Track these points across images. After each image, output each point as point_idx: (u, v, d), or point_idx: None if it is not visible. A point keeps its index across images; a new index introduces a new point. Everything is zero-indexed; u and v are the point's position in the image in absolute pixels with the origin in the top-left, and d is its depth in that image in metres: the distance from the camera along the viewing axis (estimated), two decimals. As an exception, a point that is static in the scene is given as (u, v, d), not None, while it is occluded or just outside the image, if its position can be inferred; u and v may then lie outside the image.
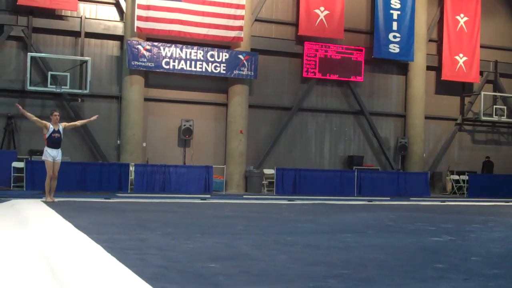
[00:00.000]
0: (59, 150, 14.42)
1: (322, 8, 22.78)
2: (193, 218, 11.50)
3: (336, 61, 23.22)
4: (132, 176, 19.44)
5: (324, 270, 6.18)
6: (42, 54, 20.67)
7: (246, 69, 21.71)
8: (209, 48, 21.53)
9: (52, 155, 14.20)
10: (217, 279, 5.51)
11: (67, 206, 12.84)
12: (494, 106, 25.63)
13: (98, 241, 7.19)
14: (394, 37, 23.85)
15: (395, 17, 23.93)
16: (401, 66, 24.64)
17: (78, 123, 15.53)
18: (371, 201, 18.36)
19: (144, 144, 21.31)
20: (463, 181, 23.96)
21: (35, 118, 14.49)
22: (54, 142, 14.26)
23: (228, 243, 7.94)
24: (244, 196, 19.17)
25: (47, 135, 14.25)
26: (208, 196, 18.50)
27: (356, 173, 21.70)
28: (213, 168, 20.49)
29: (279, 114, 23.19)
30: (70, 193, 17.44)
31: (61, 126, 14.49)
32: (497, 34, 26.57)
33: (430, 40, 25.03)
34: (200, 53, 21.38)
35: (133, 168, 19.59)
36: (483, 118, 25.37)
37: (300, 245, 7.98)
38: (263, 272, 5.98)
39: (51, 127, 14.26)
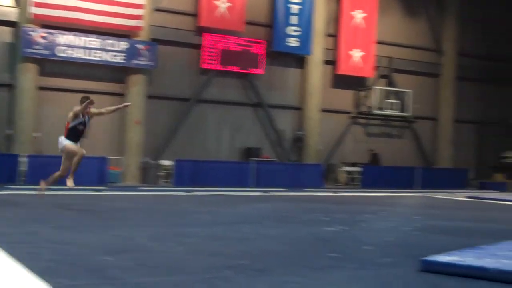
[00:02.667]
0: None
1: (223, 0, 22.79)
2: (87, 211, 11.26)
3: (236, 53, 23.28)
4: (23, 167, 18.75)
5: (222, 261, 6.21)
6: None
7: (145, 59, 21.37)
8: (108, 36, 21.03)
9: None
10: (112, 272, 5.43)
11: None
12: (387, 101, 26.54)
13: (-14, 234, 6.91)
14: (293, 30, 24.19)
15: (294, 11, 24.25)
16: (299, 59, 25.01)
17: (104, 110, 12.37)
18: (268, 192, 18.60)
19: (38, 134, 20.57)
20: (356, 172, 24.72)
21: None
22: (77, 135, 11.58)
23: (124, 235, 7.83)
24: (141, 188, 18.93)
25: (71, 125, 11.47)
26: (104, 188, 18.14)
27: (253, 165, 21.91)
28: (109, 159, 20.10)
29: (178, 105, 23.02)
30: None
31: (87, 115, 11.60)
32: (393, 31, 27.45)
33: (328, 35, 25.55)
34: (98, 41, 20.87)
35: (25, 159, 18.90)
36: (376, 112, 26.22)
37: (198, 237, 7.98)
38: (160, 264, 5.95)
39: (81, 116, 11.41)
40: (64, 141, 11.49)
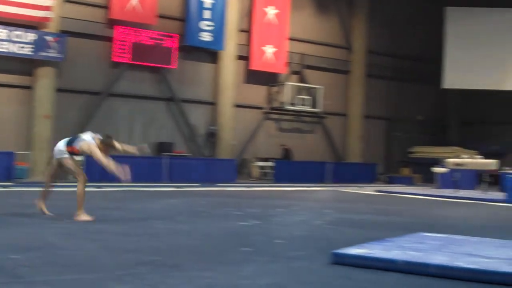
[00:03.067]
0: None
1: (134, -8, 22.44)
2: (-7, 207, 10.86)
3: (148, 47, 22.99)
4: None
5: (134, 257, 6.13)
6: None
7: (54, 51, 20.77)
8: (15, 27, 20.32)
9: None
10: (19, 271, 5.26)
11: None
12: (299, 96, 26.91)
13: None
14: (206, 25, 24.12)
15: (207, 5, 24.17)
16: (212, 54, 24.96)
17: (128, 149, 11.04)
18: (181, 188, 18.50)
19: None
20: (269, 167, 24.95)
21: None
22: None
23: (33, 233, 7.61)
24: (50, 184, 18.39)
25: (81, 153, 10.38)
26: (10, 184, 17.55)
27: (166, 160, 21.72)
28: (16, 154, 19.45)
29: (89, 99, 22.52)
30: None
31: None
32: (305, 28, 27.85)
33: (241, 30, 25.64)
34: (5, 32, 20.10)
35: None
36: (288, 107, 26.56)
37: (109, 233, 7.85)
38: (70, 261, 5.81)
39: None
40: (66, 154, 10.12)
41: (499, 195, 18.51)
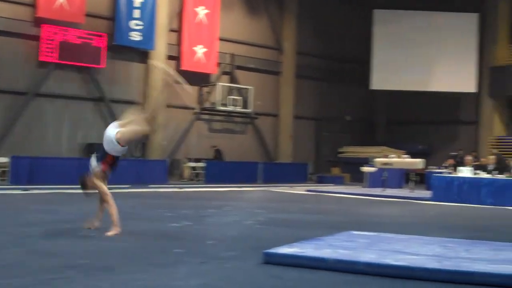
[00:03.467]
0: None
1: (61, -10, 21.96)
2: None
3: (76, 46, 22.52)
4: None
5: (63, 260, 6.01)
6: None
7: (-24, 49, 20.18)
8: None
9: None
10: None
11: None
12: (230, 97, 26.93)
13: None
14: (136, 24, 23.85)
15: (137, 4, 23.87)
16: (142, 54, 24.65)
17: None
18: (110, 189, 18.15)
19: None
20: (200, 168, 24.88)
21: None
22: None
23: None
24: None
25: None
26: None
27: (96, 161, 21.36)
28: None
29: (14, 100, 21.89)
30: None
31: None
32: (235, 28, 27.87)
33: (172, 30, 25.46)
34: None
35: None
36: (220, 108, 26.54)
37: (37, 236, 7.68)
38: (-4, 266, 5.65)
39: None
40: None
41: (425, 193, 19.05)
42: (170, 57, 25.04)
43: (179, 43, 25.69)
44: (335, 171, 29.74)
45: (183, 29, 25.74)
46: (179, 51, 25.59)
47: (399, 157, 23.05)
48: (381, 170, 21.33)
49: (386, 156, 23.16)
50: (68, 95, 22.92)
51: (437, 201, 16.64)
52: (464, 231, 9.75)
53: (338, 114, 31.62)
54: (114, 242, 7.41)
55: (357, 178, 25.36)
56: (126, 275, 5.45)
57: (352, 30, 31.63)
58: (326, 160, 30.84)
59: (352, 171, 27.56)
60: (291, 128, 29.31)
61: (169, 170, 24.06)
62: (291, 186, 23.03)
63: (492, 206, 15.40)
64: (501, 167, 17.37)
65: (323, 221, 10.79)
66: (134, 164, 22.84)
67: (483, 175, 16.66)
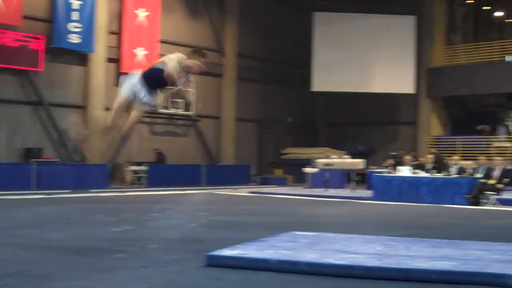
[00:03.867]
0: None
1: (-3, -8, 21.43)
2: None
3: (13, 49, 21.97)
4: None
5: (0, 268, 5.85)
6: None
7: None
8: None
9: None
10: None
11: None
12: (172, 99, 26.75)
13: None
14: (75, 27, 23.44)
15: (75, 6, 23.45)
16: (81, 57, 24.26)
17: None
18: (51, 195, 17.87)
19: None
20: (142, 171, 24.63)
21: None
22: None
23: None
24: None
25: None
26: None
27: (34, 166, 20.90)
28: None
29: None
30: None
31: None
32: (176, 30, 27.69)
33: (111, 33, 25.13)
34: None
35: None
36: (161, 110, 26.34)
37: (-28, 244, 7.45)
38: None
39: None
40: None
41: (366, 193, 19.34)
42: (110, 60, 24.74)
43: (119, 46, 25.39)
44: (278, 172, 29.91)
45: (123, 32, 25.46)
46: (119, 54, 25.31)
47: (340, 157, 23.35)
48: (323, 171, 21.55)
49: (328, 157, 23.42)
50: (5, 99, 22.36)
51: (377, 201, 16.90)
52: (404, 229, 9.93)
53: (280, 116, 31.82)
54: (54, 249, 7.25)
55: (300, 179, 25.56)
56: (64, 282, 5.34)
57: (293, 33, 31.90)
58: (269, 161, 30.99)
59: (295, 172, 27.76)
60: (233, 130, 29.34)
61: (110, 174, 23.75)
62: (234, 188, 23.04)
63: (431, 205, 15.74)
64: (439, 166, 17.78)
65: (266, 223, 10.82)
66: (74, 169, 22.49)
67: (422, 174, 17.00)
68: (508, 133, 28.48)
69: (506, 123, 29.80)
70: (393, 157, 23.61)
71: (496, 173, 16.52)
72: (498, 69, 27.54)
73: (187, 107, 27.03)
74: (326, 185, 21.06)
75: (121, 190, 20.75)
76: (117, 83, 25.36)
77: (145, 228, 9.67)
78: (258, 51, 30.84)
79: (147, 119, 26.78)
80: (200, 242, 7.97)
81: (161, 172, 24.73)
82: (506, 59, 28.11)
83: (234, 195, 19.82)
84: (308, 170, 22.71)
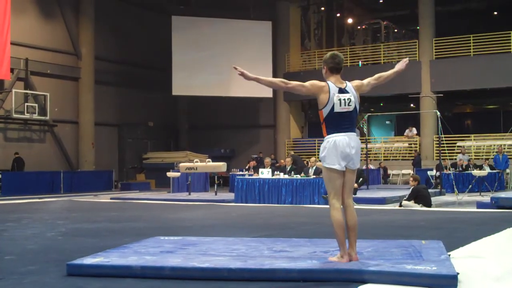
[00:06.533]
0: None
1: None
2: None
3: None
4: None
5: None
6: None
7: None
8: None
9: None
10: None
11: None
12: (27, 104, 25.66)
13: None
14: None
15: None
16: None
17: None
18: None
19: None
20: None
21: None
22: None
23: None
24: None
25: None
26: None
27: None
28: None
29: None
30: None
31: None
32: (29, 32, 26.59)
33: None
34: None
35: None
36: (15, 115, 25.19)
37: None
38: None
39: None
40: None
41: (229, 195, 19.56)
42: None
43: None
44: (140, 177, 29.56)
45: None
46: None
47: (202, 161, 23.45)
48: (186, 175, 21.54)
49: (190, 161, 23.45)
50: None
51: (240, 203, 17.14)
52: (266, 229, 10.13)
53: (141, 119, 31.49)
54: None
55: (163, 183, 25.42)
56: None
57: (154, 36, 31.71)
58: (131, 166, 30.56)
59: (158, 177, 27.57)
60: (92, 135, 28.65)
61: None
62: (95, 195, 22.51)
63: (291, 205, 16.18)
64: (298, 168, 18.30)
65: (129, 229, 10.64)
66: None
67: (282, 176, 17.43)
68: (362, 134, 29.89)
69: (360, 125, 31.26)
70: (255, 159, 24.08)
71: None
72: (350, 74, 28.73)
73: (42, 111, 26.02)
74: (189, 189, 21.07)
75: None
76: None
77: (0, 239, 9.21)
78: (116, 54, 30.33)
79: (1, 125, 25.53)
80: (60, 252, 7.70)
81: (17, 180, 23.62)
82: (359, 64, 29.52)
83: (95, 201, 19.34)
84: (171, 174, 22.62)
